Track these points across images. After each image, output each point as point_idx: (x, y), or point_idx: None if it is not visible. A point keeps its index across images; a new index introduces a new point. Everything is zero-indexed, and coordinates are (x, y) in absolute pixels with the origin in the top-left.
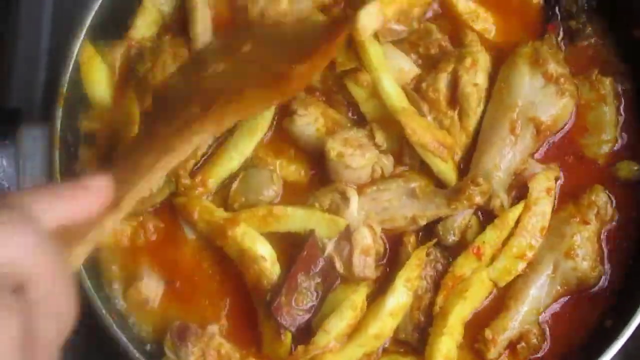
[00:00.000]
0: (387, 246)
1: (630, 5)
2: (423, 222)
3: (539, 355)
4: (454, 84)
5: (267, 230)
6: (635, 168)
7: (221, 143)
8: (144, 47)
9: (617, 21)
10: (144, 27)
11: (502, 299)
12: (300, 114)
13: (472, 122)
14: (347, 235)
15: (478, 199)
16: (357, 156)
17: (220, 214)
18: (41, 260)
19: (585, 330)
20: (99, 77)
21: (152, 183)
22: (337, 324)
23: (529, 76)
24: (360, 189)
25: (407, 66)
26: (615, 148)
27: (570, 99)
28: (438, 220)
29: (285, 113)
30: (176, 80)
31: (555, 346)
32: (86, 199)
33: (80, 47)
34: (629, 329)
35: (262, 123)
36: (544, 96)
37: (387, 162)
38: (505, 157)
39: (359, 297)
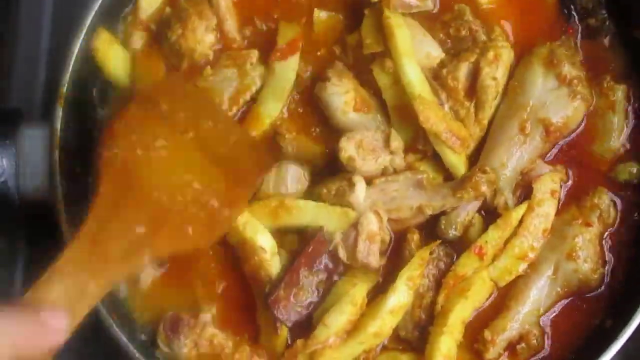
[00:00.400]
0: (392, 235)
1: (630, 6)
2: (429, 212)
3: (539, 356)
4: (474, 75)
5: (277, 223)
6: (634, 169)
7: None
8: (167, 16)
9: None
10: (148, 3)
11: (503, 300)
12: (334, 82)
13: (486, 115)
14: (353, 221)
15: (484, 188)
16: (369, 161)
17: None
18: None
19: (585, 331)
20: (115, 60)
21: (91, 304)
22: (337, 319)
23: (542, 77)
24: (369, 180)
25: (435, 51)
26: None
27: (582, 102)
28: (442, 215)
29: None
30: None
31: (555, 347)
32: (43, 338)
33: (87, 37)
34: (629, 329)
35: (287, 86)
36: (556, 98)
37: (399, 161)
38: (513, 155)
39: (358, 292)
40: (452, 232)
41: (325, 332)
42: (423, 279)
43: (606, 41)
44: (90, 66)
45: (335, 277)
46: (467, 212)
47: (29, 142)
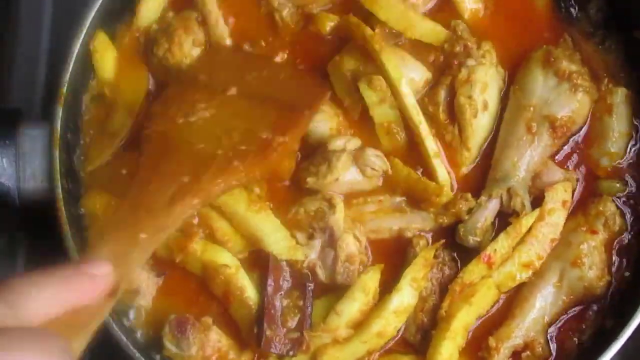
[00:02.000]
0: (370, 257)
1: (629, 7)
2: (409, 235)
3: None
4: (452, 97)
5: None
6: (617, 185)
7: None
8: (154, 31)
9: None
10: (148, 12)
11: (508, 307)
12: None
13: (470, 135)
14: (331, 242)
15: (465, 216)
16: (342, 182)
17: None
18: None
19: (585, 331)
20: (110, 64)
21: (145, 257)
22: (349, 306)
23: (542, 76)
24: (347, 200)
25: (418, 75)
26: (620, 162)
27: (585, 95)
28: (457, 222)
29: None
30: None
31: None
32: (89, 287)
33: (86, 38)
34: (629, 329)
35: None
36: (558, 94)
37: (376, 181)
38: (523, 156)
39: (371, 280)
40: (473, 239)
41: (336, 321)
42: (426, 282)
43: (607, 44)
44: (90, 66)
45: (309, 286)
46: (484, 217)
47: (29, 142)
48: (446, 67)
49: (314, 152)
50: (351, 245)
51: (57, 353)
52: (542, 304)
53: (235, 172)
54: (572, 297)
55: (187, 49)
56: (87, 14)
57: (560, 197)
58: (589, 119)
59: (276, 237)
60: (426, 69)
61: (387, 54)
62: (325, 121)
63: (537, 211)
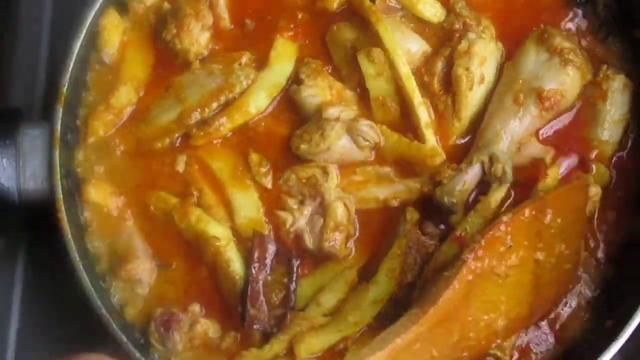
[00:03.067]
0: (357, 227)
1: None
2: (395, 204)
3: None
4: (450, 69)
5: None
6: (605, 173)
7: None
8: (164, 10)
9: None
10: None
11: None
12: (308, 84)
13: (463, 106)
14: (321, 210)
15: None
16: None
17: (174, 200)
18: None
19: (585, 331)
20: (118, 41)
21: None
22: (332, 297)
23: (534, 52)
24: (338, 170)
25: (415, 47)
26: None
27: (575, 70)
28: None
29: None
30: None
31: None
32: None
33: (97, 15)
34: (628, 329)
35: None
36: (548, 68)
37: (367, 152)
38: (507, 125)
39: (353, 271)
40: (448, 199)
41: (316, 311)
42: (409, 257)
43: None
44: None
45: (295, 262)
46: (463, 181)
47: (29, 142)
48: (446, 39)
49: (309, 120)
50: (341, 213)
51: None
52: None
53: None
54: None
55: (196, 35)
56: (87, 14)
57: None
58: (581, 100)
59: (245, 212)
60: (424, 42)
61: (384, 24)
62: (316, 96)
63: (505, 186)
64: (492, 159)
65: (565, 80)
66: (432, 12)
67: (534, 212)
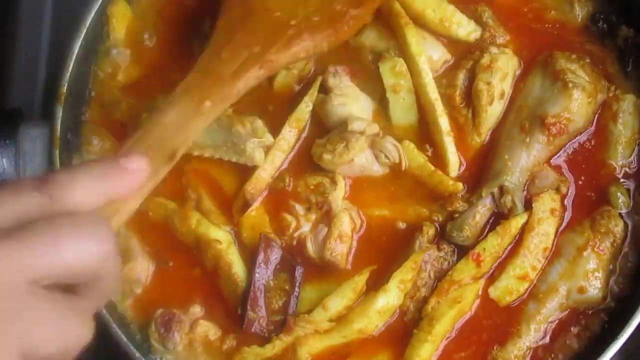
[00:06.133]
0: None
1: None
2: (402, 227)
3: None
4: (471, 82)
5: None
6: (621, 197)
7: None
8: None
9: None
10: None
11: (511, 323)
12: (337, 93)
13: (482, 121)
14: (326, 219)
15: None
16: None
17: (172, 205)
18: (108, 265)
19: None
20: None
21: (203, 126)
22: (338, 303)
23: (540, 77)
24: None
25: (437, 55)
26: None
27: (580, 92)
28: (450, 220)
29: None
30: None
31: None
32: (127, 180)
33: (87, 37)
34: (629, 329)
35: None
36: (552, 93)
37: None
38: (515, 155)
39: (362, 280)
40: (458, 235)
41: (322, 315)
42: (423, 273)
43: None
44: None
45: (298, 270)
46: (473, 215)
47: (29, 142)
48: (467, 49)
49: (332, 130)
50: (346, 224)
51: (105, 234)
52: (546, 318)
53: (302, 45)
54: (571, 309)
55: None
56: (87, 14)
57: (548, 206)
58: (594, 122)
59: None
60: (446, 50)
61: (412, 29)
62: (346, 105)
63: (526, 214)
64: (502, 190)
65: (569, 104)
66: (467, 32)
67: None
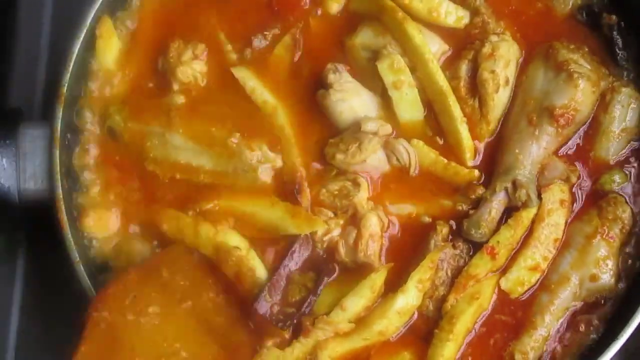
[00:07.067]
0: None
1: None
2: (427, 220)
3: None
4: (474, 72)
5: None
6: (617, 179)
7: None
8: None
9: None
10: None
11: (525, 314)
12: (337, 88)
13: (490, 109)
14: (354, 221)
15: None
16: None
17: (186, 217)
18: None
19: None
20: (112, 50)
21: None
22: (356, 303)
23: (542, 69)
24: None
25: (435, 47)
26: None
27: (584, 81)
28: (465, 217)
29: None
30: None
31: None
32: None
33: (94, 21)
34: (629, 329)
35: None
36: (557, 84)
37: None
38: (525, 148)
39: (379, 279)
40: (476, 232)
41: (341, 315)
42: (440, 271)
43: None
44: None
45: (331, 274)
46: (489, 210)
47: (29, 142)
48: (465, 39)
49: (337, 126)
50: (375, 225)
51: None
52: (561, 309)
53: None
54: (586, 298)
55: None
56: (87, 14)
57: (557, 197)
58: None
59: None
60: (443, 42)
61: (411, 22)
62: (346, 100)
63: (537, 205)
64: (516, 184)
65: (575, 94)
66: (456, 18)
67: (141, 272)
